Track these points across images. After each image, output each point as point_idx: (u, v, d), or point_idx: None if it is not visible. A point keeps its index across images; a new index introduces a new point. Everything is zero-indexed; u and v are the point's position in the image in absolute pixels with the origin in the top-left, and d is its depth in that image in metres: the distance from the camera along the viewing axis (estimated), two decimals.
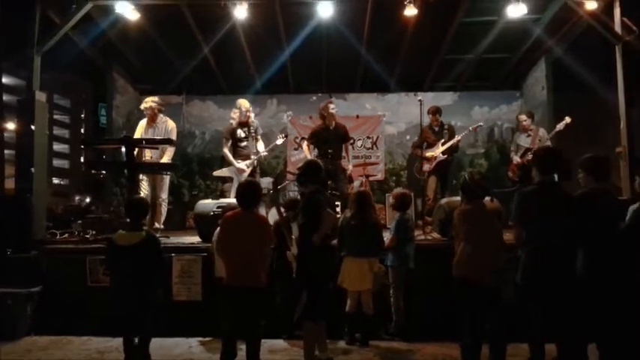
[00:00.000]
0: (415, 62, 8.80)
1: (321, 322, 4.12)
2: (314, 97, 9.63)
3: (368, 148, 9.62)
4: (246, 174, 6.48)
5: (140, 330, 4.06)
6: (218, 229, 4.15)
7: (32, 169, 6.03)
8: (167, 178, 6.69)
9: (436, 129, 7.34)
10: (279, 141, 7.02)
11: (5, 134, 9.33)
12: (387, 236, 5.02)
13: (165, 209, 6.64)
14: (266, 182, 7.16)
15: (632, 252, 3.67)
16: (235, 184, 6.55)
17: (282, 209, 4.98)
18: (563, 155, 4.31)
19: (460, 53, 8.66)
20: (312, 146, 6.78)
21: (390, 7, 7.04)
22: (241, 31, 7.68)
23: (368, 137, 9.63)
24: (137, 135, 6.56)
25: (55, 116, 38.33)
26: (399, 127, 9.78)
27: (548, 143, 7.00)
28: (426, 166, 7.17)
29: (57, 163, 39.51)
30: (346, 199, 5.87)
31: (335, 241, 4.61)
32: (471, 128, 7.62)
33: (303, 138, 9.42)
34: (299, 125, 9.59)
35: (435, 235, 5.93)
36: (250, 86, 9.31)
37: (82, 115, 43.24)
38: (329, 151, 6.53)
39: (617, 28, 6.45)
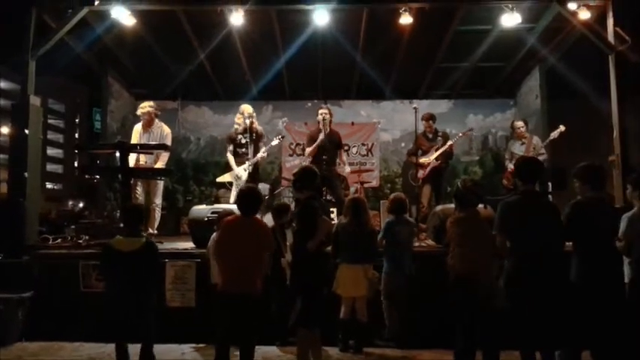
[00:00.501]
0: (410, 70, 8.85)
1: (315, 329, 4.11)
2: (309, 104, 9.66)
3: (363, 155, 9.64)
4: (243, 179, 6.48)
5: (135, 336, 4.00)
6: (214, 234, 4.14)
7: (25, 174, 5.99)
8: (161, 184, 6.68)
9: (430, 136, 7.38)
10: (275, 142, 7.07)
11: None
12: None
13: (159, 214, 6.63)
14: (261, 188, 7.16)
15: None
16: (234, 190, 6.56)
17: (272, 215, 4.98)
18: (542, 164, 4.36)
19: (455, 61, 8.71)
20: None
21: (385, 15, 7.10)
22: (237, 37, 7.69)
23: (363, 144, 9.66)
24: (134, 140, 6.52)
25: (50, 121, 38.13)
26: (394, 135, 9.82)
27: (543, 151, 7.06)
28: (420, 173, 7.19)
29: (51, 167, 39.33)
30: (341, 206, 5.86)
31: (329, 248, 4.61)
32: (461, 134, 7.65)
33: (298, 144, 9.47)
34: (294, 131, 9.61)
35: (430, 242, 5.93)
36: (246, 92, 9.29)
37: (77, 120, 43.08)
38: (324, 157, 6.52)
39: (610, 37, 6.51)
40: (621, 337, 3.65)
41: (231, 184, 6.73)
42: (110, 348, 4.25)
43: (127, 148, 5.91)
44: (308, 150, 6.67)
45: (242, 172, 6.58)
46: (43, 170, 31.12)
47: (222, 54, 8.23)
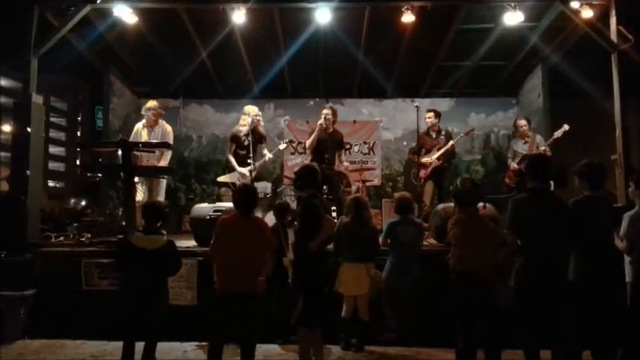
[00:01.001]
0: (412, 68, 8.83)
1: (316, 329, 4.11)
2: (311, 102, 9.66)
3: (365, 154, 9.63)
4: (248, 180, 6.47)
5: (147, 334, 3.93)
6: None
7: (28, 172, 6.00)
8: (164, 182, 6.68)
9: (433, 135, 7.35)
10: (282, 146, 7.13)
11: (1, 136, 9.31)
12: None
13: None
14: (262, 187, 7.16)
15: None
16: None
17: (274, 213, 4.98)
18: (551, 161, 4.33)
19: (457, 60, 8.69)
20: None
21: (387, 13, 7.08)
22: (239, 35, 7.68)
23: (365, 142, 9.65)
24: (136, 139, 6.50)
25: (52, 119, 38.19)
26: (395, 133, 9.80)
27: (545, 149, 7.03)
28: (422, 173, 7.18)
29: (53, 165, 39.44)
30: (342, 205, 5.86)
31: (331, 247, 4.61)
32: (462, 134, 7.64)
33: (300, 142, 9.47)
34: (296, 130, 9.61)
35: (432, 240, 5.93)
36: (248, 90, 9.30)
37: (79, 118, 43.13)
38: (325, 156, 6.52)
39: (613, 36, 6.49)
40: (621, 337, 3.65)
41: (234, 184, 6.71)
42: (112, 346, 4.26)
43: (129, 146, 5.90)
44: (308, 142, 6.68)
45: (247, 172, 6.56)
46: (45, 168, 31.21)
47: (224, 52, 8.22)
